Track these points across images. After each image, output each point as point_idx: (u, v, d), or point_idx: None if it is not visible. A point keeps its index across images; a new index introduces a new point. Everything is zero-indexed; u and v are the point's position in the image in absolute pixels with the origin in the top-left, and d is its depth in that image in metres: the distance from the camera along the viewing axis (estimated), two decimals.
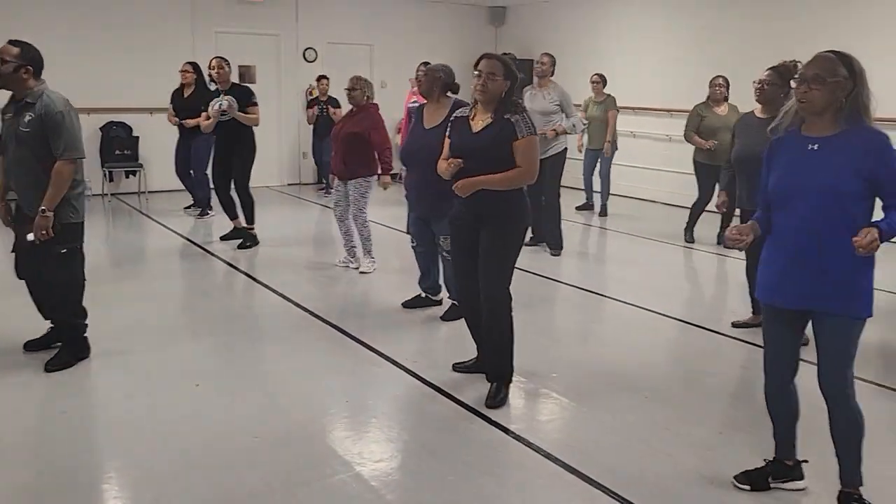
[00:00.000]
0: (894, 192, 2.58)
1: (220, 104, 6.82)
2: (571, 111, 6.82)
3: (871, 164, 2.56)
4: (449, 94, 4.93)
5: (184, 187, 8.78)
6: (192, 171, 8.47)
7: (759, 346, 4.62)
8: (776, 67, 4.57)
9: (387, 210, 8.31)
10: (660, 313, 5.37)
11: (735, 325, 5.06)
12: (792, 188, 2.67)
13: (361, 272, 6.24)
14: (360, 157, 5.99)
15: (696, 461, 3.28)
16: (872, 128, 2.62)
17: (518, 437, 3.47)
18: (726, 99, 7.34)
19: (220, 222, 7.95)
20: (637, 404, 3.86)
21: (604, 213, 9.20)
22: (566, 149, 6.94)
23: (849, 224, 2.56)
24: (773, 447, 3.03)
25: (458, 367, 4.20)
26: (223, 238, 7.34)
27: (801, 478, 3.00)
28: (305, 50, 11.22)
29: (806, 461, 3.01)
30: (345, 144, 5.98)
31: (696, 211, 7.71)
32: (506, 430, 3.53)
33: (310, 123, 10.39)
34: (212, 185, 7.62)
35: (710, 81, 7.35)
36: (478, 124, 3.74)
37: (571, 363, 4.41)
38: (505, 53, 11.66)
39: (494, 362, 3.91)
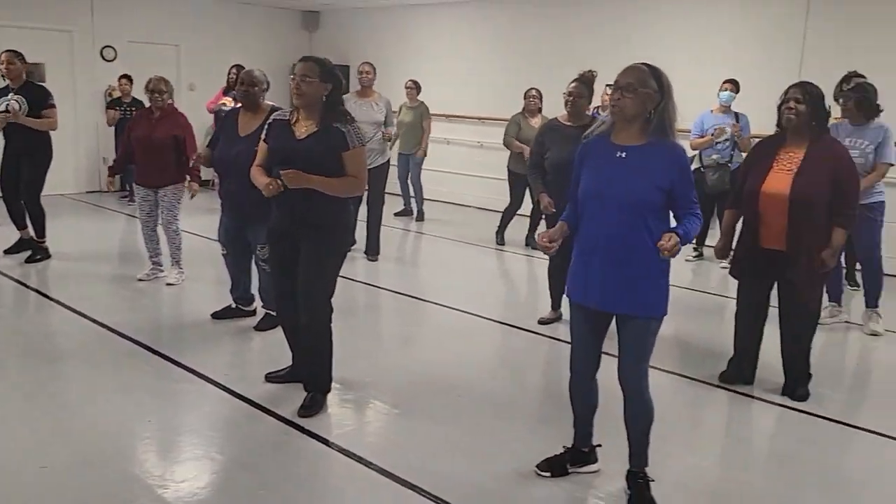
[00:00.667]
0: (687, 203, 2.80)
1: (8, 104, 6.17)
2: (392, 120, 6.95)
3: (673, 175, 2.74)
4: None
5: None
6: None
7: (564, 342, 4.98)
8: (581, 78, 4.81)
9: (197, 219, 7.94)
10: (474, 314, 5.54)
11: (541, 322, 5.33)
12: (599, 193, 2.80)
13: (168, 284, 5.91)
14: (171, 163, 5.69)
15: (506, 456, 3.41)
16: (675, 142, 2.80)
17: (334, 446, 3.43)
18: (540, 111, 7.69)
19: (3, 234, 7.20)
20: (453, 405, 3.95)
21: (420, 217, 9.36)
22: (389, 159, 7.02)
23: (650, 230, 2.73)
24: (573, 436, 3.23)
25: (271, 377, 4.09)
26: (7, 251, 6.65)
27: (595, 461, 3.22)
28: (103, 48, 10.45)
29: (599, 445, 3.24)
30: (153, 150, 5.64)
31: (508, 215, 8.07)
32: (322, 440, 3.48)
33: (110, 125, 9.69)
34: None
35: (525, 93, 7.70)
36: (301, 130, 3.59)
37: (390, 369, 4.43)
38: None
39: (313, 373, 3.84)
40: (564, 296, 3.05)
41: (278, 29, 12.06)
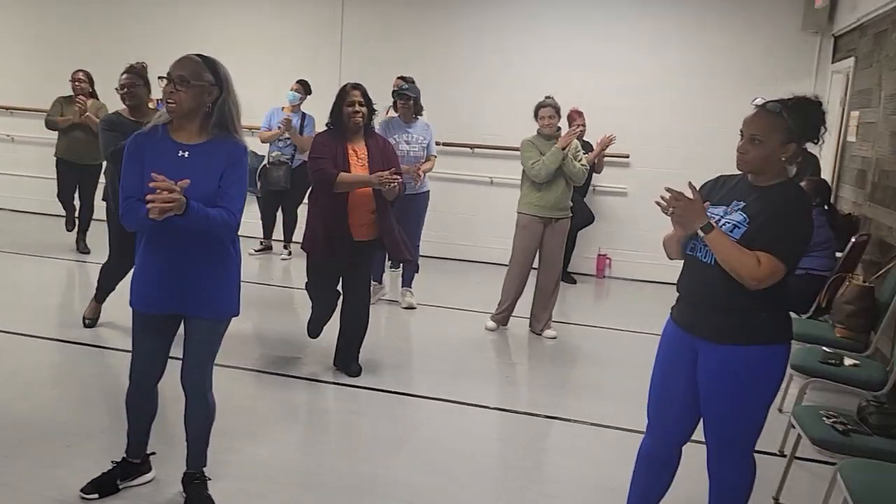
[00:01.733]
0: (230, 198, 2.62)
1: None
2: None
3: (227, 169, 2.61)
4: None
5: None
6: None
7: (107, 348, 4.61)
8: (133, 69, 4.48)
9: None
10: (12, 332, 4.80)
11: (87, 324, 4.94)
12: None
13: None
14: None
15: (40, 483, 3.01)
16: (237, 139, 2.67)
17: None
18: (92, 95, 6.87)
19: None
20: None
21: None
22: None
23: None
24: (125, 448, 3.00)
25: None
26: None
27: (149, 470, 3.05)
28: None
29: (154, 453, 3.07)
30: None
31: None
32: None
33: None
34: None
35: (72, 75, 6.83)
36: None
37: None
38: None
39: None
40: (130, 306, 2.79)
41: None
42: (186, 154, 2.61)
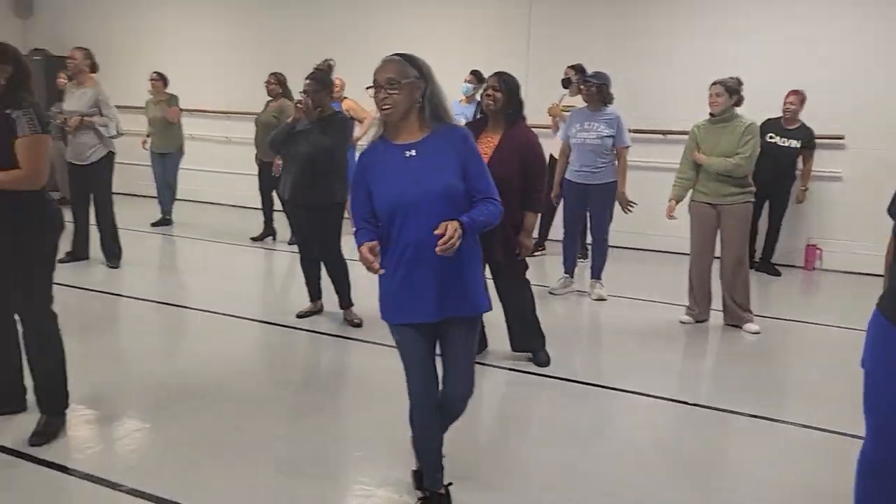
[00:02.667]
0: (487, 185, 2.59)
1: None
2: (107, 112, 6.32)
3: (463, 157, 2.57)
4: None
5: None
6: None
7: (323, 334, 4.99)
8: (313, 75, 4.84)
9: None
10: (228, 314, 5.35)
11: (299, 315, 5.28)
12: (407, 201, 2.51)
13: None
14: None
15: (266, 453, 3.35)
16: (453, 124, 2.64)
17: (75, 472, 3.14)
18: (283, 95, 7.48)
19: None
20: (207, 410, 3.79)
21: (164, 222, 8.64)
22: (111, 153, 6.43)
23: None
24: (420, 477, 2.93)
25: None
26: None
27: None
28: None
29: (451, 484, 2.93)
30: None
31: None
32: (60, 468, 3.17)
33: None
34: None
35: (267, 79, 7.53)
36: None
37: (136, 381, 4.14)
38: (36, 49, 10.46)
39: (44, 393, 3.46)
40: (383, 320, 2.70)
41: None
42: (414, 153, 2.57)
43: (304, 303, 5.38)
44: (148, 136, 8.46)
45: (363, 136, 7.19)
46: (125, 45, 10.19)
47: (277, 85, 7.46)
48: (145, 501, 2.93)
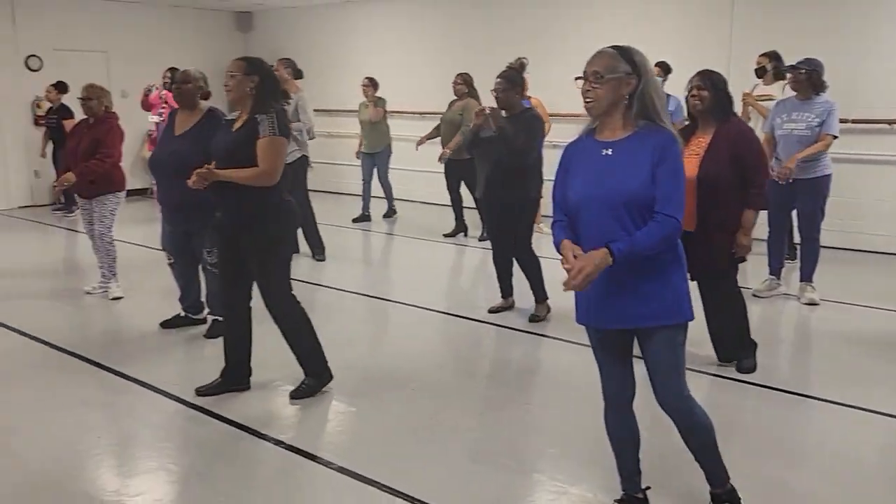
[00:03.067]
0: (665, 197, 2.41)
1: None
2: (304, 118, 6.76)
3: (654, 162, 2.40)
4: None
5: None
6: None
7: (514, 329, 5.05)
8: (505, 73, 4.91)
9: (138, 228, 7.77)
10: (425, 308, 5.56)
11: (491, 310, 5.37)
12: (588, 200, 2.46)
13: (112, 298, 5.73)
14: (104, 172, 5.52)
15: (460, 443, 3.45)
16: (664, 127, 2.45)
17: (289, 447, 3.42)
18: (469, 95, 7.69)
19: None
20: (408, 398, 3.97)
21: (390, 213, 9.28)
22: (305, 156, 6.83)
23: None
24: (620, 483, 2.81)
25: (202, 391, 3.96)
26: None
27: None
28: (28, 58, 10.13)
29: (649, 488, 2.84)
30: (86, 159, 5.46)
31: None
32: (277, 442, 3.46)
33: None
34: None
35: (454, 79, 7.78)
36: (237, 125, 3.71)
37: (344, 366, 4.40)
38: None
39: (308, 362, 3.92)
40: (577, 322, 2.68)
41: (211, 31, 11.84)
42: (610, 151, 2.46)
43: (496, 298, 5.47)
44: (361, 140, 9.00)
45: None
46: (335, 52, 10.88)
47: (464, 85, 7.66)
48: (351, 479, 3.13)
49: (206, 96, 4.78)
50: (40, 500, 3.00)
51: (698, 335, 4.36)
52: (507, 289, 5.38)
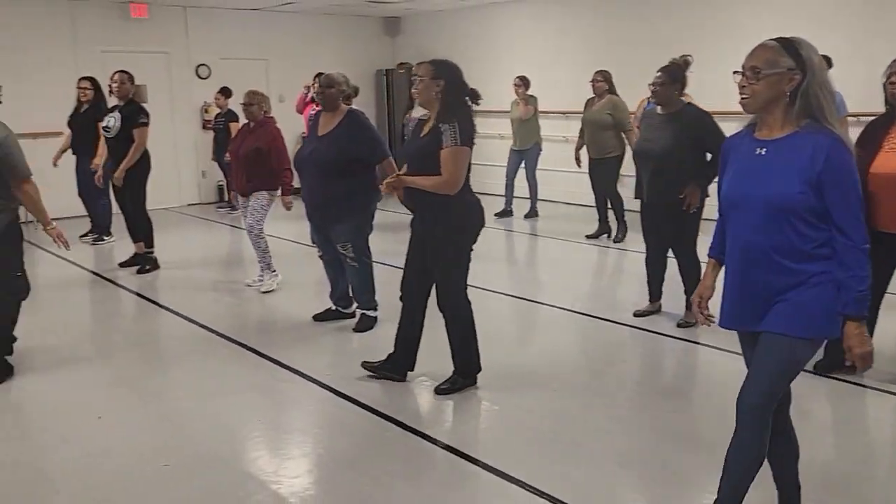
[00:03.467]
0: (835, 218, 2.25)
1: (107, 122, 6.70)
2: None
3: (817, 172, 2.23)
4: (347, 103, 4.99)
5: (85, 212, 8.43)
6: (88, 195, 8.10)
7: (662, 335, 4.90)
8: (667, 68, 4.78)
9: (291, 224, 8.19)
10: (567, 309, 5.52)
11: (637, 314, 5.25)
12: (738, 199, 2.39)
13: (263, 291, 6.08)
14: (262, 172, 5.87)
15: (602, 446, 3.40)
16: (829, 129, 2.27)
17: (434, 441, 3.50)
18: (609, 92, 7.56)
19: (117, 248, 7.68)
20: (550, 399, 3.96)
21: (533, 214, 9.34)
22: None
23: (799, 241, 2.28)
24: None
25: (367, 365, 4.21)
26: (123, 264, 7.05)
27: None
28: (198, 66, 10.96)
29: None
30: (246, 160, 5.86)
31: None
32: (423, 435, 3.56)
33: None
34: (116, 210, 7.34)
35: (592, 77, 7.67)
36: (426, 129, 3.83)
37: (488, 364, 4.46)
38: (401, 63, 11.83)
39: (461, 359, 4.02)
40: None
41: (361, 37, 12.31)
42: (764, 151, 2.34)
43: (640, 302, 5.34)
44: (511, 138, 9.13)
45: None
46: (481, 54, 10.99)
47: (604, 82, 7.53)
48: (494, 476, 3.16)
49: (350, 97, 4.99)
50: (209, 475, 3.24)
51: None
52: (656, 292, 5.23)
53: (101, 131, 6.92)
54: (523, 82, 8.97)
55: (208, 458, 3.38)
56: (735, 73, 2.39)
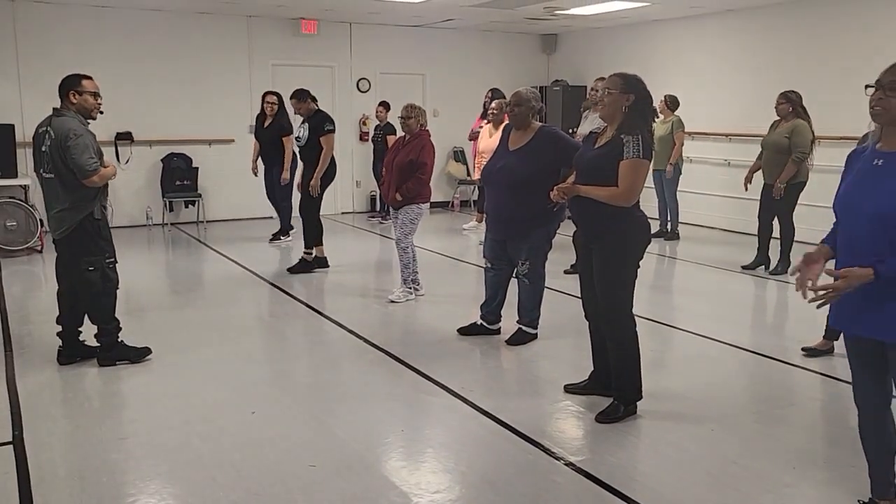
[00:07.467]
0: None
1: (298, 132, 7.35)
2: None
3: None
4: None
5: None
6: (276, 200, 8.85)
7: (832, 377, 4.49)
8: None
9: (439, 238, 8.29)
10: (726, 343, 5.18)
11: (805, 351, 4.85)
12: (847, 206, 2.50)
13: (391, 301, 6.12)
14: (414, 184, 5.96)
15: (767, 497, 3.12)
16: None
17: (578, 469, 3.35)
18: (796, 115, 6.99)
19: (288, 251, 8.10)
20: (703, 436, 3.70)
21: (674, 236, 9.10)
22: None
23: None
24: (870, 487, 2.85)
25: (569, 389, 4.18)
26: (291, 270, 7.30)
27: None
28: (359, 80, 11.37)
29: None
30: (399, 172, 5.96)
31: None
32: (566, 462, 3.42)
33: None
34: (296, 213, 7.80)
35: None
36: (601, 140, 3.80)
37: (645, 392, 4.26)
38: (556, 81, 11.74)
39: (620, 383, 3.88)
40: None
41: (517, 54, 12.33)
42: (880, 162, 2.42)
43: (808, 339, 4.92)
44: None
45: None
46: (635, 71, 10.71)
47: (787, 104, 7.01)
48: None
49: (541, 112, 4.94)
50: (355, 479, 3.26)
51: None
52: (833, 331, 4.80)
53: (293, 142, 7.57)
54: (669, 101, 8.93)
55: (352, 462, 3.41)
56: (867, 86, 2.42)
